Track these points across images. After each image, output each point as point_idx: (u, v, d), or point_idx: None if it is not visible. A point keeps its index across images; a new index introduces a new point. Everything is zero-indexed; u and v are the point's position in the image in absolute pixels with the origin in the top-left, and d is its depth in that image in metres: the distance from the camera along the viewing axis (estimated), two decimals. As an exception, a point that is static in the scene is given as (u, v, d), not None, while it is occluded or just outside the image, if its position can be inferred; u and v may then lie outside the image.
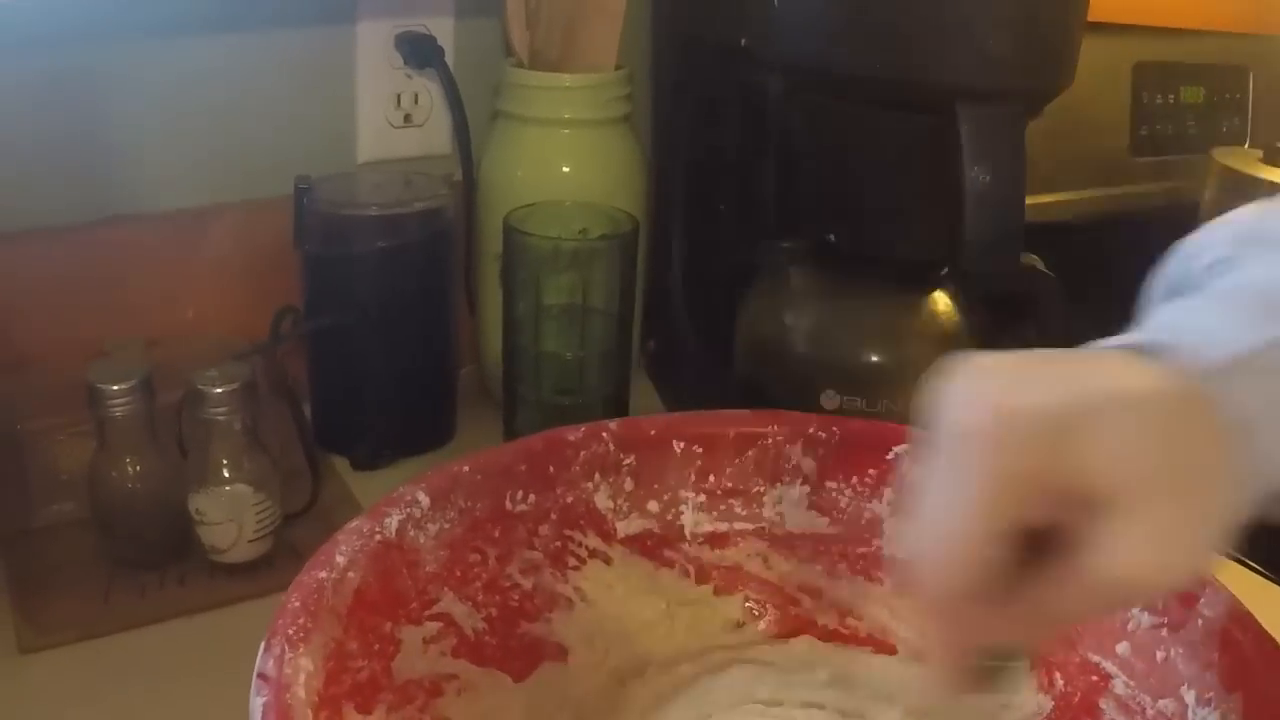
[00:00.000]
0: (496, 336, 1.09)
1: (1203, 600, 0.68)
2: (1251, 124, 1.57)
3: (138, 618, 0.92)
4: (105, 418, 0.92)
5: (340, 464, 1.13)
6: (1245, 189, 1.35)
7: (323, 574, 0.67)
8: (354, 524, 0.71)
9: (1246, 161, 1.39)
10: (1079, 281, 0.99)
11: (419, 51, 1.19)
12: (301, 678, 0.60)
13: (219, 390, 0.92)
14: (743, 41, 0.99)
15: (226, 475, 0.94)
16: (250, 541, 0.96)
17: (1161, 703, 0.69)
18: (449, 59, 1.20)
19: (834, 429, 0.85)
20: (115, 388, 0.91)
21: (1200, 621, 0.68)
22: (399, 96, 1.21)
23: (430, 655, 0.73)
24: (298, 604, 0.64)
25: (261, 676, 0.59)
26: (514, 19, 1.15)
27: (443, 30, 1.20)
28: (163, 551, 0.97)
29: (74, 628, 0.91)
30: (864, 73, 0.91)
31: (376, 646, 0.69)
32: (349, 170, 1.21)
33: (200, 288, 1.15)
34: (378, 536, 0.71)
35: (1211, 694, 0.66)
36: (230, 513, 0.94)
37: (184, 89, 1.11)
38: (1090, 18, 0.96)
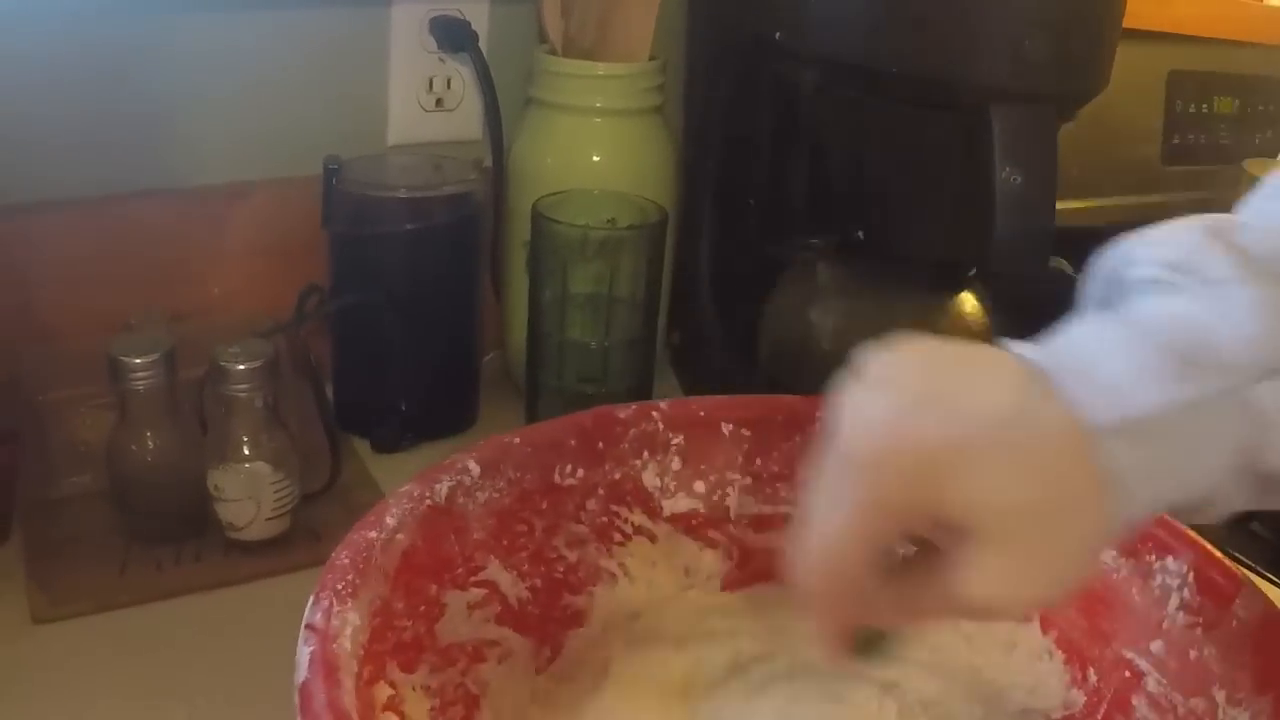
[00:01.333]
0: (521, 323, 1.09)
1: (1238, 601, 0.68)
2: (1285, 136, 1.57)
3: (152, 592, 0.92)
4: (126, 391, 0.92)
5: (360, 446, 1.13)
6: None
7: (372, 534, 0.68)
8: (405, 488, 0.73)
9: None
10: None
11: (453, 35, 1.18)
12: (348, 630, 0.62)
13: (241, 367, 0.91)
14: (777, 35, 0.98)
15: (246, 452, 0.93)
16: (268, 520, 0.95)
17: (1192, 701, 0.69)
18: (482, 44, 1.20)
19: None
20: (137, 361, 0.91)
21: (1235, 622, 0.68)
22: (431, 80, 1.21)
23: (474, 620, 0.74)
24: (346, 560, 0.66)
25: (309, 627, 0.61)
26: (549, 5, 1.15)
27: (477, 15, 1.20)
28: (180, 527, 0.97)
29: (88, 600, 0.91)
30: (898, 70, 0.90)
31: (422, 608, 0.70)
32: (379, 152, 1.20)
33: (227, 265, 1.15)
34: (427, 501, 0.72)
35: (1242, 695, 0.66)
36: (248, 490, 0.94)
37: (217, 66, 1.11)
38: (1125, 25, 0.96)
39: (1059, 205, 0.90)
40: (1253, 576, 0.99)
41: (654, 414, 0.84)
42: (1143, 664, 0.73)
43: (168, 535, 0.97)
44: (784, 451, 0.85)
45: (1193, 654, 0.70)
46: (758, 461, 0.85)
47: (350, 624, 0.62)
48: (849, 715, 0.74)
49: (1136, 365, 0.55)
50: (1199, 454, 0.56)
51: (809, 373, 1.01)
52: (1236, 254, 0.57)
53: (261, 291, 1.13)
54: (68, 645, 0.87)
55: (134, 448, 0.94)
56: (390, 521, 0.69)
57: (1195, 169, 1.50)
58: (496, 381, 1.24)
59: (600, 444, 0.82)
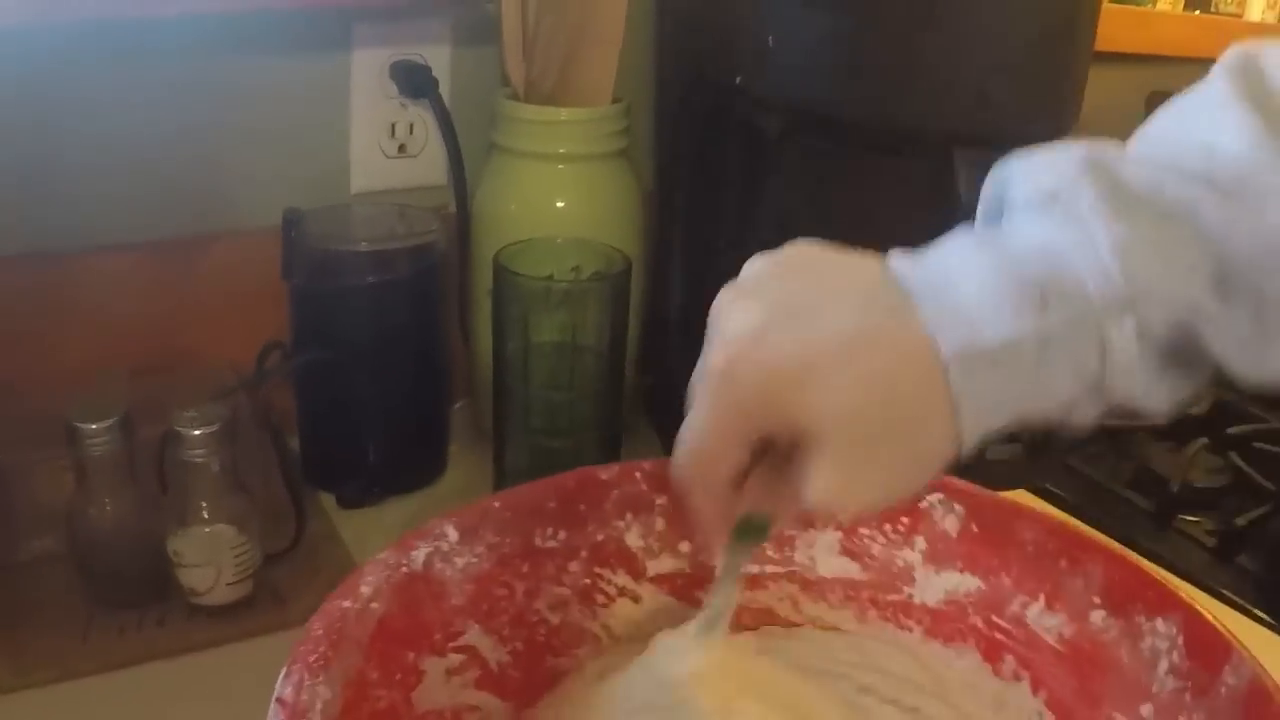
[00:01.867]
0: (489, 371, 1.08)
1: (1227, 667, 0.67)
2: (1266, 155, 1.54)
3: (116, 659, 0.91)
4: (83, 456, 0.91)
5: (327, 501, 1.12)
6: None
7: (346, 603, 0.68)
8: (381, 556, 0.73)
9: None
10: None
11: (414, 81, 1.17)
12: (319, 705, 0.62)
13: (197, 432, 0.90)
14: (738, 80, 0.97)
15: (205, 516, 0.92)
16: (229, 584, 0.94)
17: (1181, 769, 0.68)
18: (444, 89, 1.19)
19: None
20: (93, 426, 0.90)
21: (1224, 689, 0.67)
22: (394, 126, 1.20)
23: (453, 686, 0.74)
24: (320, 632, 0.66)
25: (279, 701, 0.61)
26: (510, 50, 1.13)
27: (438, 59, 1.19)
28: (142, 591, 0.96)
29: (52, 668, 0.89)
30: (860, 116, 0.89)
31: (398, 676, 0.70)
32: (344, 199, 1.19)
33: (190, 318, 1.14)
34: (403, 568, 0.72)
35: (1230, 765, 0.65)
36: (208, 555, 0.93)
37: (175, 115, 1.10)
38: (1103, 48, 0.94)
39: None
40: (1240, 615, 0.99)
41: (637, 475, 0.83)
42: (1131, 728, 0.72)
43: (130, 600, 0.96)
44: None
45: (1181, 720, 0.69)
46: None
47: (321, 698, 0.62)
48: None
49: (993, 293, 0.59)
50: (1048, 380, 0.59)
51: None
52: (1110, 187, 0.60)
53: (227, 344, 1.12)
54: (30, 716, 0.85)
55: (92, 512, 0.93)
56: (365, 590, 0.69)
57: (1176, 191, 1.48)
58: (467, 429, 1.23)
59: (582, 506, 0.82)
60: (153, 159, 1.10)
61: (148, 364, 1.09)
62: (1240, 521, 1.11)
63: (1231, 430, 1.26)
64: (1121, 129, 1.50)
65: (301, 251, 1.07)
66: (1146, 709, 0.71)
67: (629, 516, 0.83)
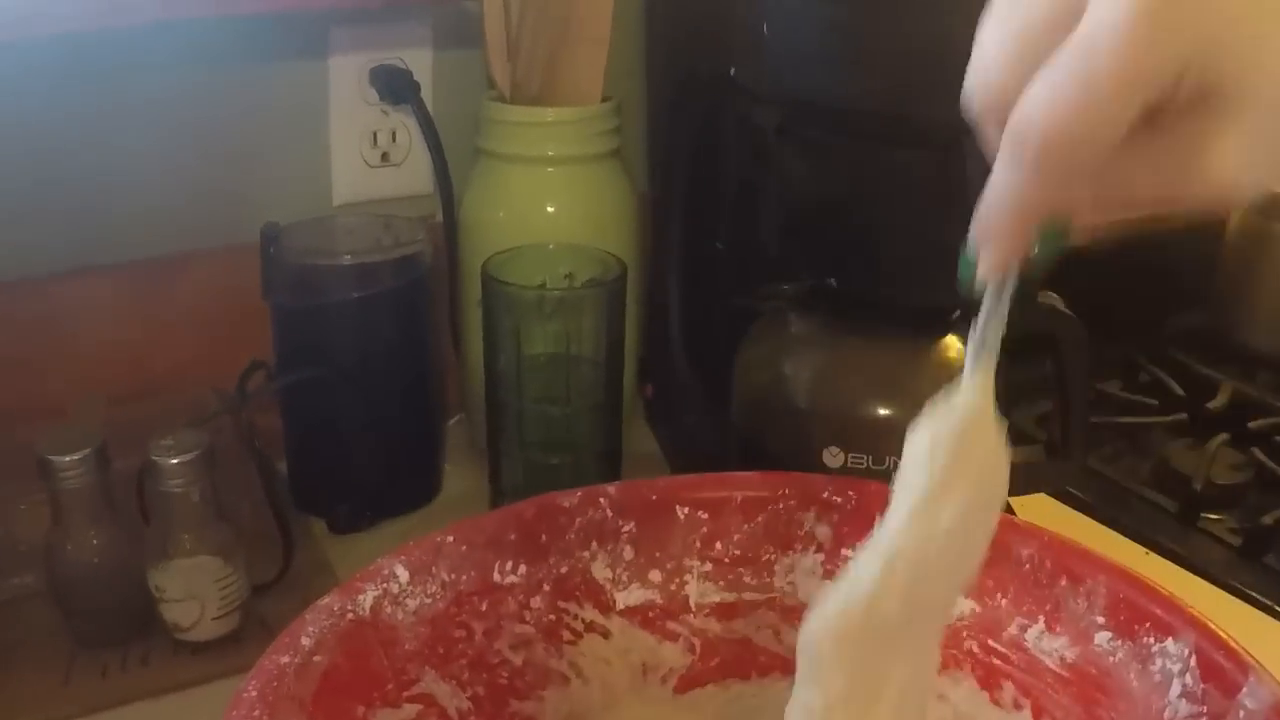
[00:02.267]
0: (482, 386, 1.04)
1: (1245, 690, 0.63)
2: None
3: (99, 700, 0.88)
4: (58, 490, 0.88)
5: (317, 526, 1.09)
6: (1272, 209, 1.30)
7: (285, 658, 0.64)
8: (324, 601, 0.68)
9: (1274, 180, 1.33)
10: (1097, 310, 0.95)
11: (394, 86, 1.14)
12: None
13: (174, 461, 0.87)
14: (732, 72, 0.93)
15: (187, 548, 0.89)
16: (214, 619, 0.91)
17: (1197, 795, 0.64)
18: (427, 93, 1.16)
19: (850, 493, 0.80)
20: (67, 459, 0.87)
21: (1242, 713, 0.63)
22: (375, 134, 1.17)
23: None
24: (254, 693, 0.61)
25: None
26: (494, 50, 1.10)
27: (420, 63, 1.16)
28: (124, 628, 0.93)
29: (32, 712, 0.87)
30: (862, 106, 0.85)
31: None
32: (327, 212, 1.16)
33: (170, 340, 1.12)
34: (349, 615, 0.68)
35: (1245, 791, 0.61)
36: (191, 590, 0.89)
37: (147, 131, 1.07)
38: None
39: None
40: (1266, 616, 0.96)
41: (601, 500, 0.79)
42: (1147, 755, 0.68)
43: (113, 636, 0.93)
44: (745, 534, 0.80)
45: (1198, 746, 0.65)
46: (717, 545, 0.81)
47: None
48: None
49: None
50: None
51: (785, 431, 0.96)
52: None
53: (210, 365, 1.08)
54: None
55: (69, 547, 0.90)
56: (306, 642, 0.65)
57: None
58: (461, 447, 1.20)
59: (543, 536, 0.77)
60: (126, 178, 1.07)
61: (126, 390, 1.07)
62: (1266, 519, 1.08)
63: (1252, 424, 1.22)
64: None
65: (282, 267, 1.04)
66: (1162, 736, 0.67)
67: (594, 546, 0.79)
